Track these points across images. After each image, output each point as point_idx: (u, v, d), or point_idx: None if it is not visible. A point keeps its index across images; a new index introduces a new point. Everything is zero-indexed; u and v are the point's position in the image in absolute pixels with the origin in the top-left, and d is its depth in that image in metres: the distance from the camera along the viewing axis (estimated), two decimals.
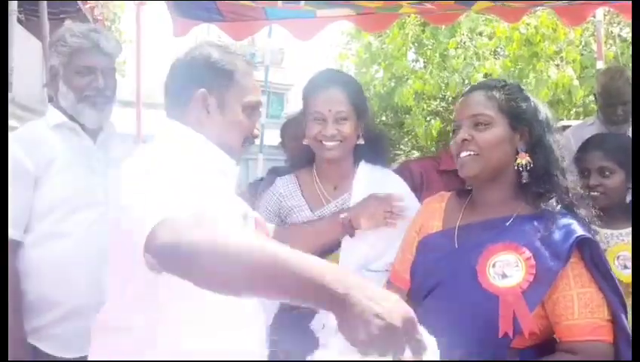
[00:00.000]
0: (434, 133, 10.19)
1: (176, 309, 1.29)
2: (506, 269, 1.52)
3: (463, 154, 1.63)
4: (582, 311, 1.50)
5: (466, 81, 9.02)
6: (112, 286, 1.43)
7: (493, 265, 1.54)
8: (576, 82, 8.61)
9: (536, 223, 1.57)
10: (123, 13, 10.60)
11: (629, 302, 2.11)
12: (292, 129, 3.01)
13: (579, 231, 1.54)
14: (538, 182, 1.62)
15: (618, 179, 2.25)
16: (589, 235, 1.55)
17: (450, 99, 10.54)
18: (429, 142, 10.63)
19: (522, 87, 1.77)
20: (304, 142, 2.08)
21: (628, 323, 1.54)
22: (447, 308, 1.56)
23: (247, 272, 0.97)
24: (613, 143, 2.34)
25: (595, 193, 2.23)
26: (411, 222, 1.84)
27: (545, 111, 1.70)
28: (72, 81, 2.15)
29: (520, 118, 1.66)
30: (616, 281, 1.57)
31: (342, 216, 1.94)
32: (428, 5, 3.52)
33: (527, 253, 1.52)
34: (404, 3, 3.38)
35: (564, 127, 4.35)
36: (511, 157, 1.64)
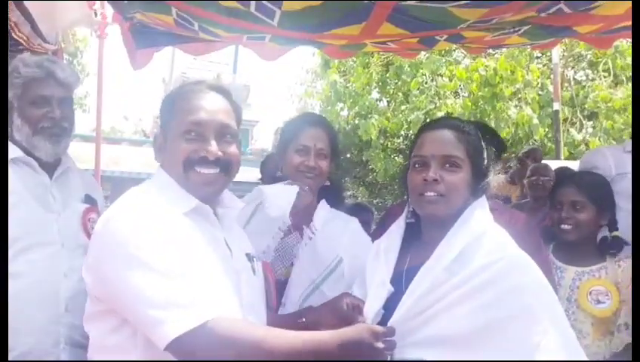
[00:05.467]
0: (392, 170, 10.30)
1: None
2: None
3: (429, 193, 1.60)
4: None
5: (428, 119, 9.19)
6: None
7: None
8: (536, 121, 8.88)
9: None
10: (86, 47, 10.48)
11: (602, 336, 2.17)
12: (273, 164, 3.05)
13: None
14: None
15: (589, 215, 2.30)
16: None
17: (412, 137, 10.67)
18: (387, 179, 10.74)
19: (481, 126, 1.75)
20: (278, 174, 2.26)
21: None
22: None
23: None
24: (587, 180, 2.41)
25: (566, 226, 2.31)
26: None
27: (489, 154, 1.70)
28: (26, 113, 2.06)
29: (480, 166, 1.65)
30: None
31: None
32: (392, 45, 3.58)
33: None
34: (368, 42, 3.42)
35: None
36: (467, 202, 1.62)
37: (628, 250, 2.24)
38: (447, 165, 1.60)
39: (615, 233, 2.33)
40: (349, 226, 2.22)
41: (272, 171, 3.01)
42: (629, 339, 2.14)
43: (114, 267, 1.37)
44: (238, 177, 1.64)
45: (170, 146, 1.53)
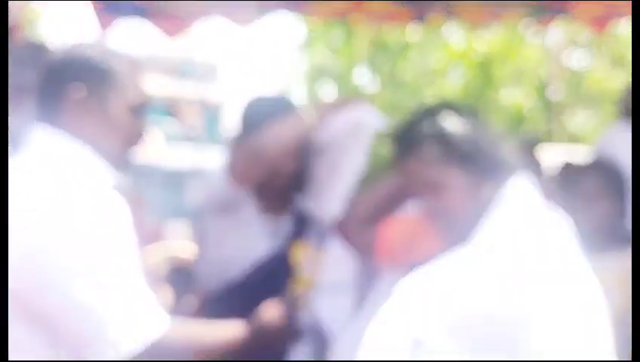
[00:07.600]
0: (378, 158, 10.14)
1: None
2: None
3: None
4: None
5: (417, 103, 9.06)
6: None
7: None
8: (526, 111, 8.85)
9: None
10: (38, 20, 9.99)
11: None
12: None
13: None
14: None
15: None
16: None
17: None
18: (374, 167, 10.61)
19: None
20: None
21: None
22: None
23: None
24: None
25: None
26: None
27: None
28: None
29: None
30: None
31: None
32: (381, 15, 3.37)
33: None
34: (356, 15, 3.20)
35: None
36: None
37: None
38: None
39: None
40: None
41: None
42: None
43: (44, 275, 1.15)
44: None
45: (111, 117, 1.37)
